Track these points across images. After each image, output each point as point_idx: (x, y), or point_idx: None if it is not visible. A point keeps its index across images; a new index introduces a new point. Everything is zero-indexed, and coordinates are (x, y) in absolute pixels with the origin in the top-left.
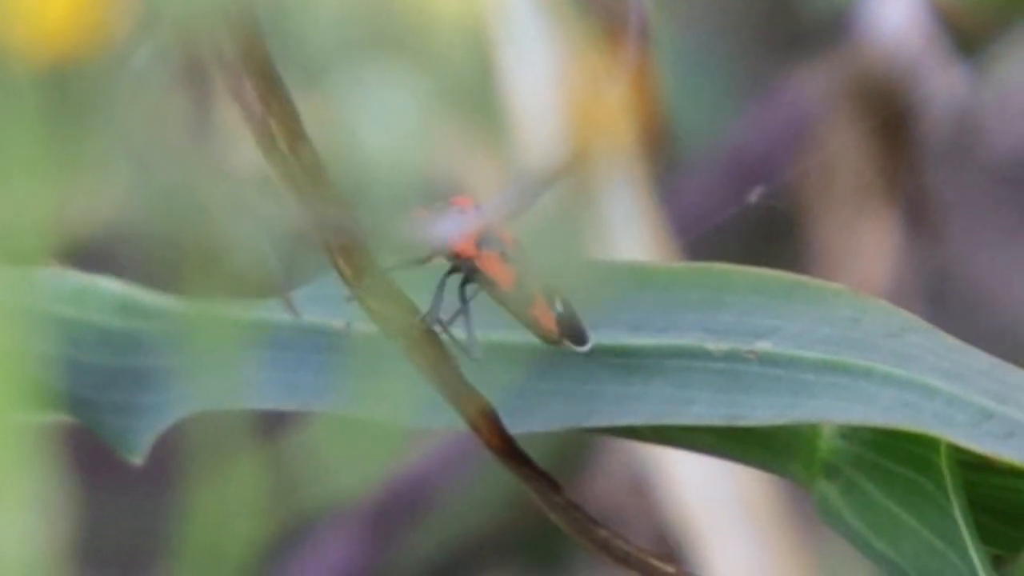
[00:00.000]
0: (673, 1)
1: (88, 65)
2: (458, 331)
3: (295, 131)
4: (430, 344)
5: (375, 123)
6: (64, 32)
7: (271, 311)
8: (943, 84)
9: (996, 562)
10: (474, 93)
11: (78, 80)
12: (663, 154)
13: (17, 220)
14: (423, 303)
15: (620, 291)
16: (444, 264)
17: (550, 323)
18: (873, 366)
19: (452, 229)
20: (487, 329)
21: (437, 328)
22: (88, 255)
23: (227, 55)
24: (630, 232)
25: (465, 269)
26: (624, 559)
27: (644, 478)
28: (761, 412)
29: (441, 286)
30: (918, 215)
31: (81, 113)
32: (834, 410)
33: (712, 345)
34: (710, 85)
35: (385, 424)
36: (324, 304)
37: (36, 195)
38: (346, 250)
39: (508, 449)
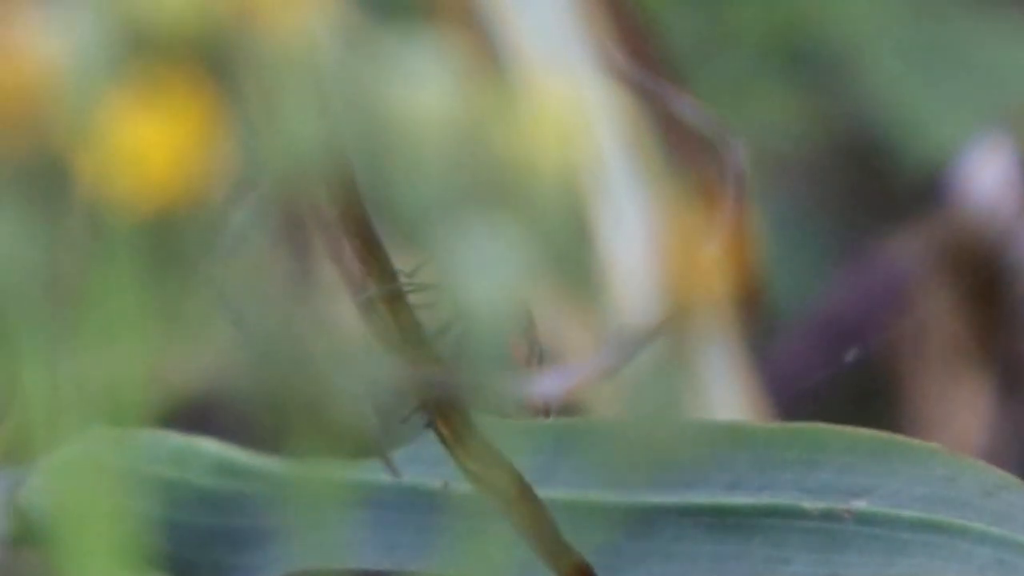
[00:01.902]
0: (769, 162)
1: (187, 219)
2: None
3: (394, 289)
4: (527, 503)
5: (474, 280)
6: (163, 186)
7: (370, 471)
8: None
9: None
10: (572, 250)
11: (177, 235)
12: (759, 315)
13: (117, 380)
14: (520, 462)
15: (717, 450)
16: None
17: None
18: (968, 525)
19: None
20: (583, 488)
21: None
22: (188, 413)
23: (326, 212)
24: (726, 392)
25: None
26: None
27: None
28: (857, 570)
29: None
30: (1012, 377)
31: (181, 268)
32: (930, 568)
33: (808, 504)
34: (805, 247)
35: None
36: (423, 464)
37: (136, 353)
38: (444, 410)
39: None
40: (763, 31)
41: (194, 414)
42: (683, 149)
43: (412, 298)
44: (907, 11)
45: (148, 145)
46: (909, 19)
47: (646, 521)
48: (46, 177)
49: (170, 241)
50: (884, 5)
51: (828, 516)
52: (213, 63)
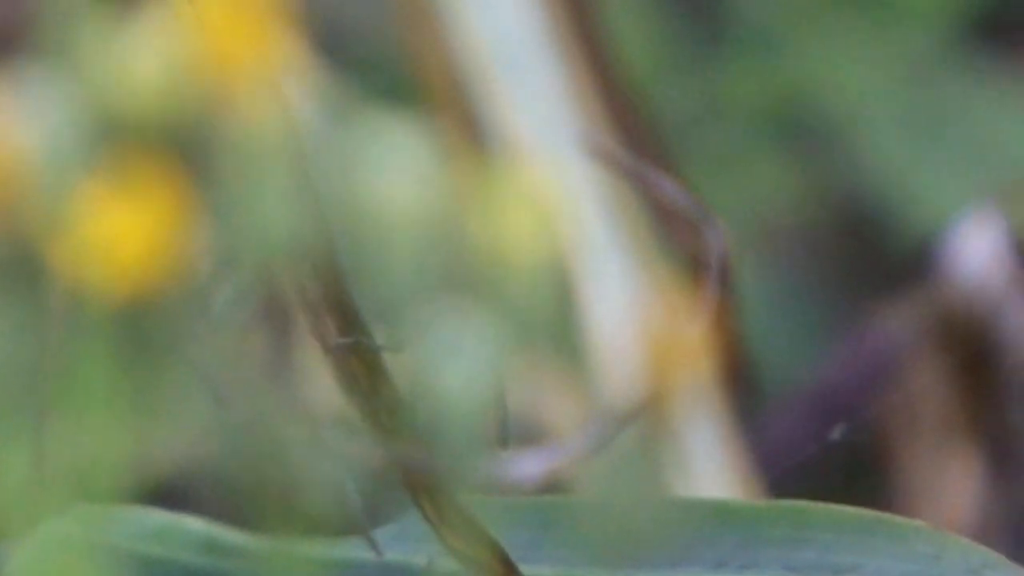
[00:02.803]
0: (762, 233)
1: (163, 304)
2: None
3: (375, 369)
4: None
5: (454, 362)
6: (140, 270)
7: (353, 549)
8: None
9: None
10: (554, 329)
11: (155, 317)
12: (745, 390)
13: (97, 459)
14: (504, 539)
15: (702, 528)
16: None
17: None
18: None
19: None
20: (568, 565)
21: None
22: (167, 493)
23: (306, 292)
24: (712, 468)
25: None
26: None
27: None
28: None
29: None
30: (1002, 452)
31: (159, 350)
32: None
33: None
34: (796, 317)
35: None
36: (406, 542)
37: (115, 433)
38: (427, 488)
39: None
40: (757, 101)
41: (174, 492)
42: (669, 228)
43: (392, 377)
44: (901, 82)
45: (123, 232)
46: (903, 90)
47: None
48: (21, 264)
49: (147, 325)
50: (878, 76)
51: None
52: (189, 148)
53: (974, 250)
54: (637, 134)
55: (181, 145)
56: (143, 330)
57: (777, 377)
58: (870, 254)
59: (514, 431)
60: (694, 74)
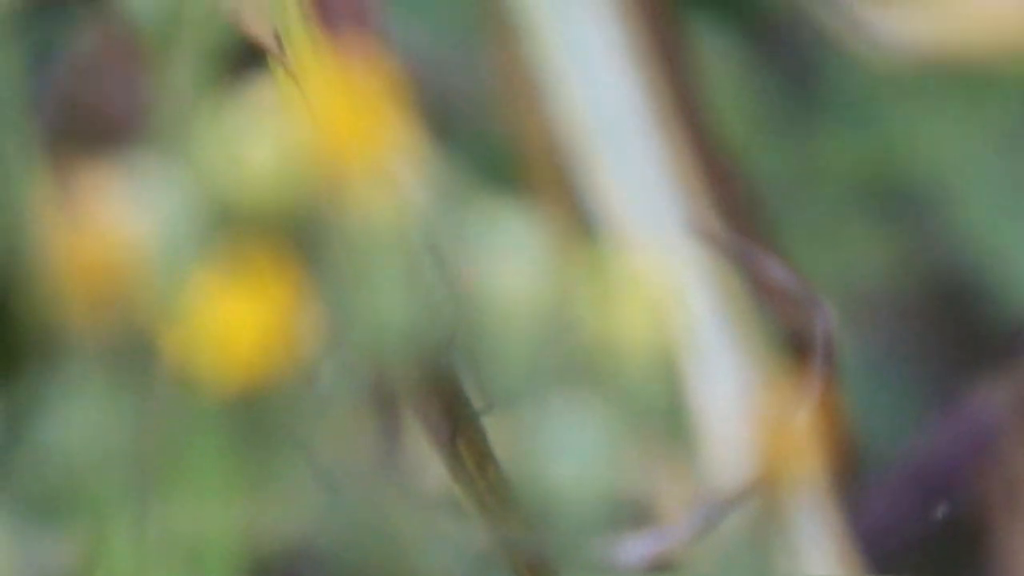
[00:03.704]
0: (857, 304)
1: (278, 389)
2: None
3: (483, 453)
4: None
5: (565, 448)
6: (254, 358)
7: None
8: None
9: None
10: (662, 415)
11: (268, 404)
12: (850, 471)
13: (209, 542)
14: None
15: None
16: None
17: None
18: None
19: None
20: None
21: None
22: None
23: (418, 379)
24: (817, 549)
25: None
26: None
27: None
28: None
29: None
30: None
31: (271, 436)
32: None
33: None
34: (890, 392)
35: None
36: None
37: (227, 517)
38: (536, 571)
39: None
40: (853, 170)
41: (286, 575)
42: (773, 307)
43: (501, 463)
44: (997, 152)
45: (237, 320)
46: (998, 160)
47: None
48: (135, 352)
49: (260, 412)
50: (973, 146)
51: None
52: (303, 236)
53: None
54: (736, 205)
55: (295, 233)
56: (256, 417)
57: (876, 451)
58: (968, 325)
59: (624, 515)
60: (790, 143)
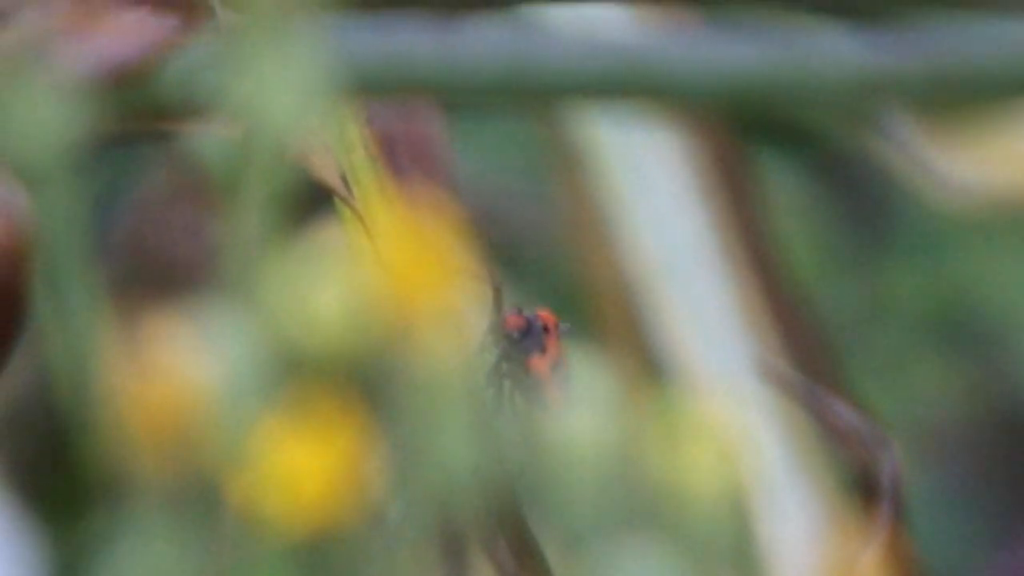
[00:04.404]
0: (927, 435)
1: (345, 536)
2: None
3: None
4: None
5: None
6: (321, 505)
7: None
8: None
9: None
10: (732, 559)
11: (335, 551)
12: None
13: None
14: None
15: None
16: None
17: None
18: None
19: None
20: None
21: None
22: None
23: (485, 525)
24: None
25: (525, 384)
26: None
27: None
28: None
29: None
30: None
31: None
32: None
33: None
34: (959, 524)
35: None
36: None
37: None
38: None
39: None
40: (920, 302)
41: None
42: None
43: None
44: None
45: (303, 467)
46: None
47: None
48: (199, 498)
49: (327, 559)
50: None
51: None
52: (369, 382)
53: None
54: (804, 342)
55: (361, 379)
56: (323, 562)
57: None
58: None
59: None
60: (858, 277)
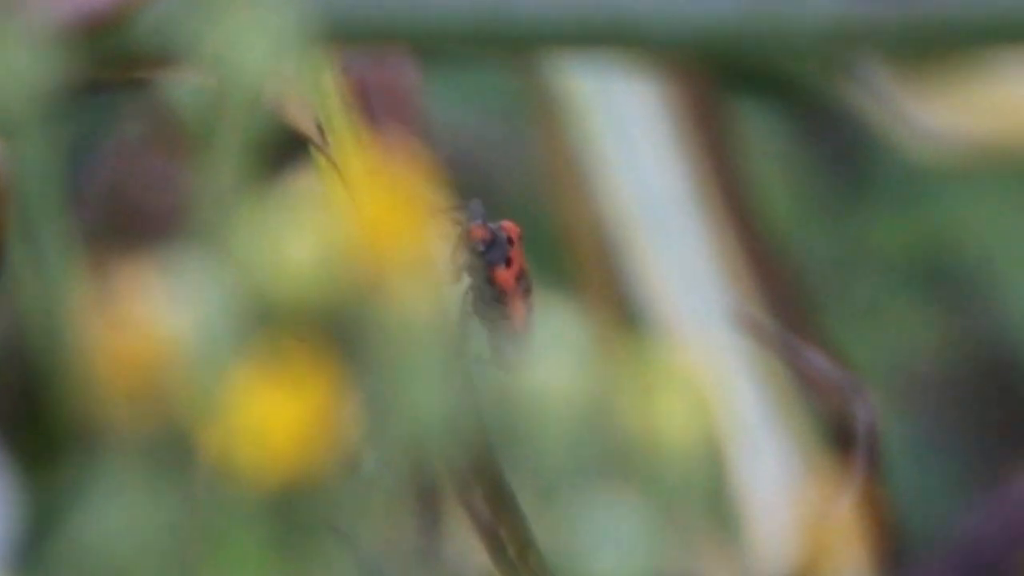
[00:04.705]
0: (905, 382)
1: (316, 485)
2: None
3: (524, 541)
4: None
5: (605, 538)
6: (292, 454)
7: None
8: None
9: None
10: (706, 506)
11: (304, 496)
12: (893, 557)
13: None
14: None
15: None
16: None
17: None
18: None
19: (499, 258)
20: None
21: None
22: None
23: (458, 473)
24: None
25: (491, 297)
26: None
27: None
28: None
29: (465, 309)
30: None
31: (309, 528)
32: None
33: None
34: (936, 472)
35: None
36: None
37: None
38: None
39: None
40: (897, 249)
41: None
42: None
43: (544, 556)
44: None
45: (274, 416)
46: None
47: None
48: (171, 449)
49: (298, 508)
50: (1020, 225)
51: None
52: (338, 333)
53: None
54: (781, 289)
55: (333, 329)
56: (296, 511)
57: (920, 535)
58: (1015, 407)
59: None
60: (835, 224)
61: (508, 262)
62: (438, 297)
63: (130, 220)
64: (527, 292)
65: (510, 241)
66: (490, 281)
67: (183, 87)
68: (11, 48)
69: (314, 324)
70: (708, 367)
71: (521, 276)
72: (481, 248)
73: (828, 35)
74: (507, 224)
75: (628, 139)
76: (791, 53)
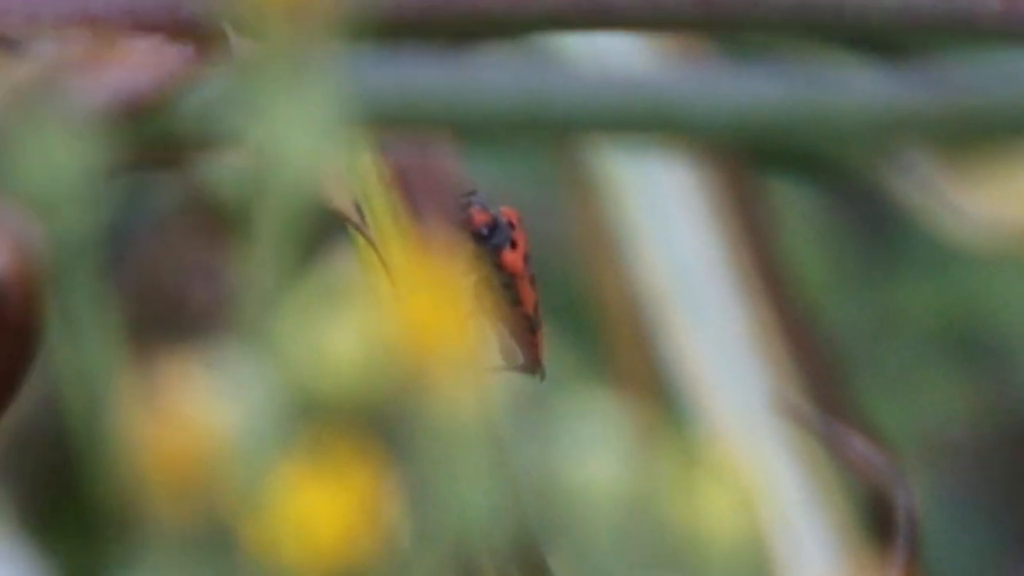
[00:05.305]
0: (937, 449)
1: (359, 572)
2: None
3: None
4: None
5: None
6: (338, 548)
7: None
8: None
9: None
10: None
11: None
12: None
13: None
14: None
15: None
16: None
17: (537, 352)
18: None
19: (504, 241)
20: None
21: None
22: None
23: (501, 560)
24: None
25: (501, 283)
26: None
27: None
28: None
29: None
30: None
31: None
32: None
33: None
34: (967, 539)
35: None
36: None
37: None
38: None
39: None
40: (931, 317)
41: None
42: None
43: None
44: None
45: (320, 510)
46: None
47: None
48: (214, 540)
49: None
50: None
51: None
52: (383, 428)
53: None
54: (816, 360)
55: (378, 424)
56: None
57: None
58: None
59: None
60: (868, 293)
61: (513, 244)
62: (482, 390)
63: (170, 308)
64: (533, 277)
65: (511, 225)
66: (498, 266)
67: (224, 171)
68: (52, 130)
69: (358, 417)
70: (748, 455)
71: (528, 259)
72: (485, 232)
73: (870, 121)
74: (506, 209)
75: (663, 213)
76: (832, 139)
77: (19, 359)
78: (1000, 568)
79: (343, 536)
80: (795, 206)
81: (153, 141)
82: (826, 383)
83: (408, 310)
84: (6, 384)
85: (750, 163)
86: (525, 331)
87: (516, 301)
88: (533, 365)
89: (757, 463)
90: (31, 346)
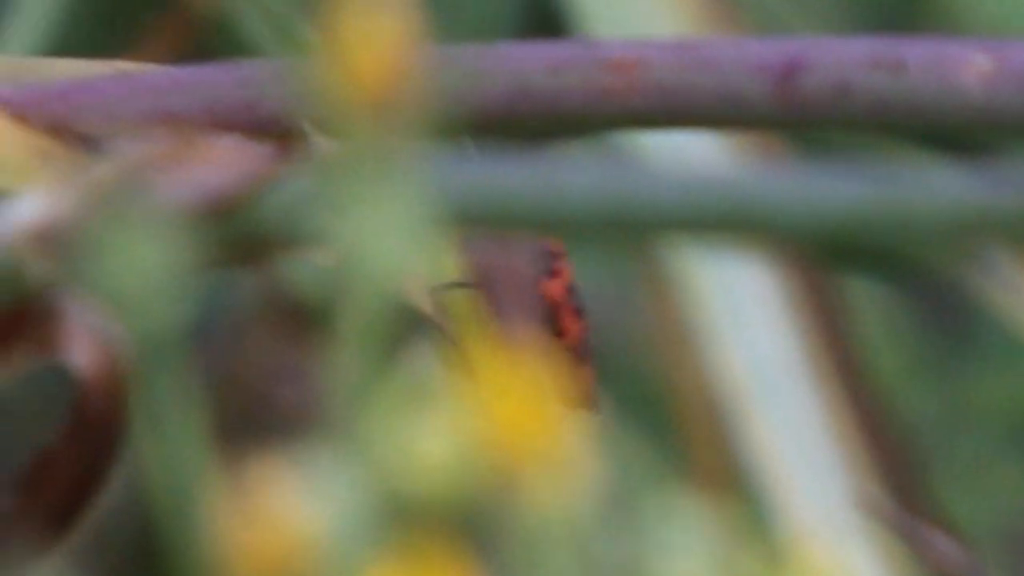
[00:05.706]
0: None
1: None
2: None
3: None
4: None
5: None
6: None
7: None
8: None
9: None
10: None
11: None
12: None
13: None
14: None
15: None
16: None
17: (584, 387)
18: None
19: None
20: None
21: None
22: None
23: None
24: None
25: (541, 320)
26: None
27: None
28: None
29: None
30: None
31: None
32: None
33: None
34: None
35: None
36: None
37: None
38: None
39: None
40: (1006, 411)
41: None
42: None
43: None
44: None
45: None
46: None
47: None
48: None
49: None
50: None
51: None
52: (472, 531)
53: None
54: (889, 450)
55: (467, 524)
56: None
57: None
58: None
59: None
60: (942, 385)
61: (554, 274)
62: (571, 492)
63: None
64: (580, 311)
65: (552, 255)
66: (540, 295)
67: (308, 270)
68: (133, 230)
69: (447, 518)
70: (830, 551)
71: (572, 291)
72: None
73: (950, 221)
74: (547, 241)
75: (741, 310)
76: (911, 239)
77: (103, 458)
78: None
79: None
80: (871, 301)
81: (236, 240)
82: (903, 477)
83: (494, 410)
84: (90, 482)
85: (827, 260)
86: (569, 365)
87: (559, 333)
88: (581, 400)
89: (838, 559)
90: (115, 445)
